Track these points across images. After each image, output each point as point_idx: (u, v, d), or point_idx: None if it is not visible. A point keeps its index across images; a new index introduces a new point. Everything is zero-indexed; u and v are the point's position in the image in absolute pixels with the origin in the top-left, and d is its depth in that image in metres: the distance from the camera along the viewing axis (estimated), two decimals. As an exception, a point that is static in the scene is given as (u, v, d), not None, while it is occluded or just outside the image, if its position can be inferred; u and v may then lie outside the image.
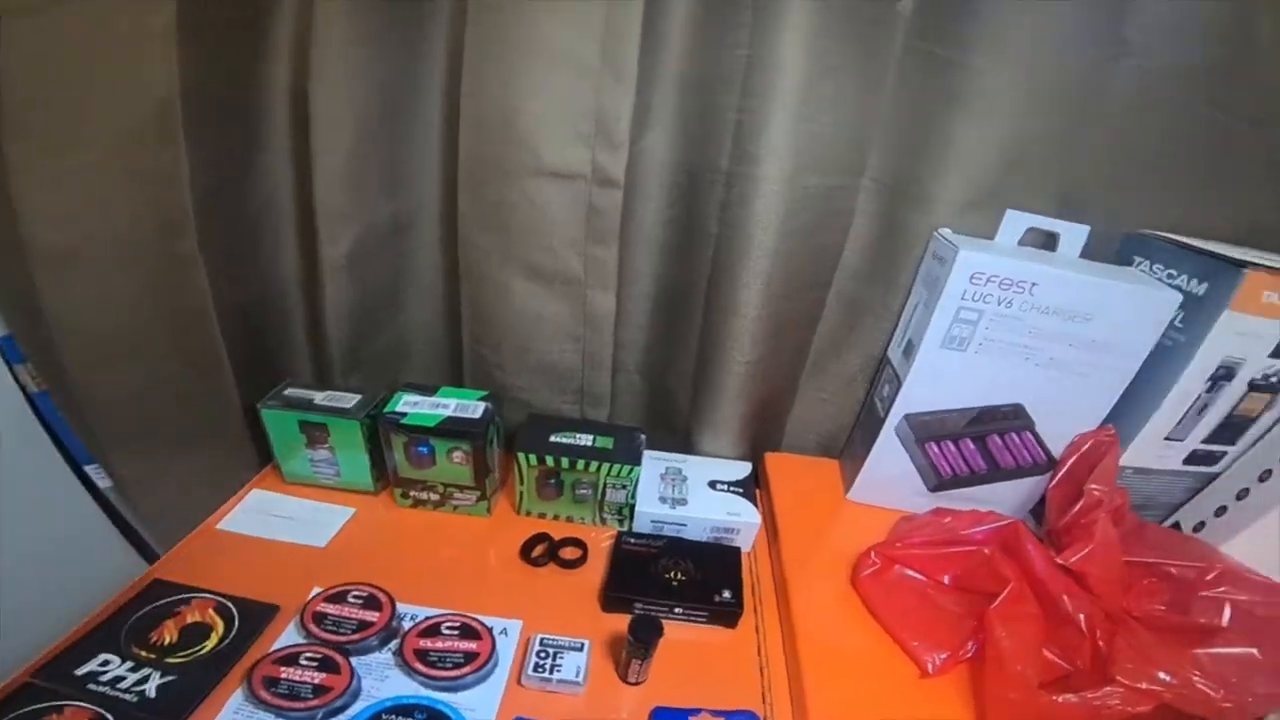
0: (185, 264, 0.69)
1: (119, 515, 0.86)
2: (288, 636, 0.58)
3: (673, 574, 0.65)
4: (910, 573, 0.65)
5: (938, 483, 0.72)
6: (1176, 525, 0.71)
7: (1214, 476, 0.70)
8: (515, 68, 0.61)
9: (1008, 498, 0.72)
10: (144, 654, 0.54)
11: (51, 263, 0.68)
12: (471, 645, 0.57)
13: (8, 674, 0.52)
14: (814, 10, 0.58)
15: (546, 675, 0.55)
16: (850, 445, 0.80)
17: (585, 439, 0.71)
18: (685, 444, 0.81)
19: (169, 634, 0.57)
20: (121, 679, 0.52)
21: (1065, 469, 0.68)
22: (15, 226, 0.66)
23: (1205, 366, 0.62)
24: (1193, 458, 0.69)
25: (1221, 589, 0.57)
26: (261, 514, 0.70)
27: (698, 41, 0.63)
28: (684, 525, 0.70)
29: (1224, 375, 0.63)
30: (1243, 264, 0.58)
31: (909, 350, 0.67)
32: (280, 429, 0.70)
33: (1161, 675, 0.50)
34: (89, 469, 0.84)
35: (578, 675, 0.56)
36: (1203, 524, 0.69)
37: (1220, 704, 0.49)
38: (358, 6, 0.62)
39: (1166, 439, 0.67)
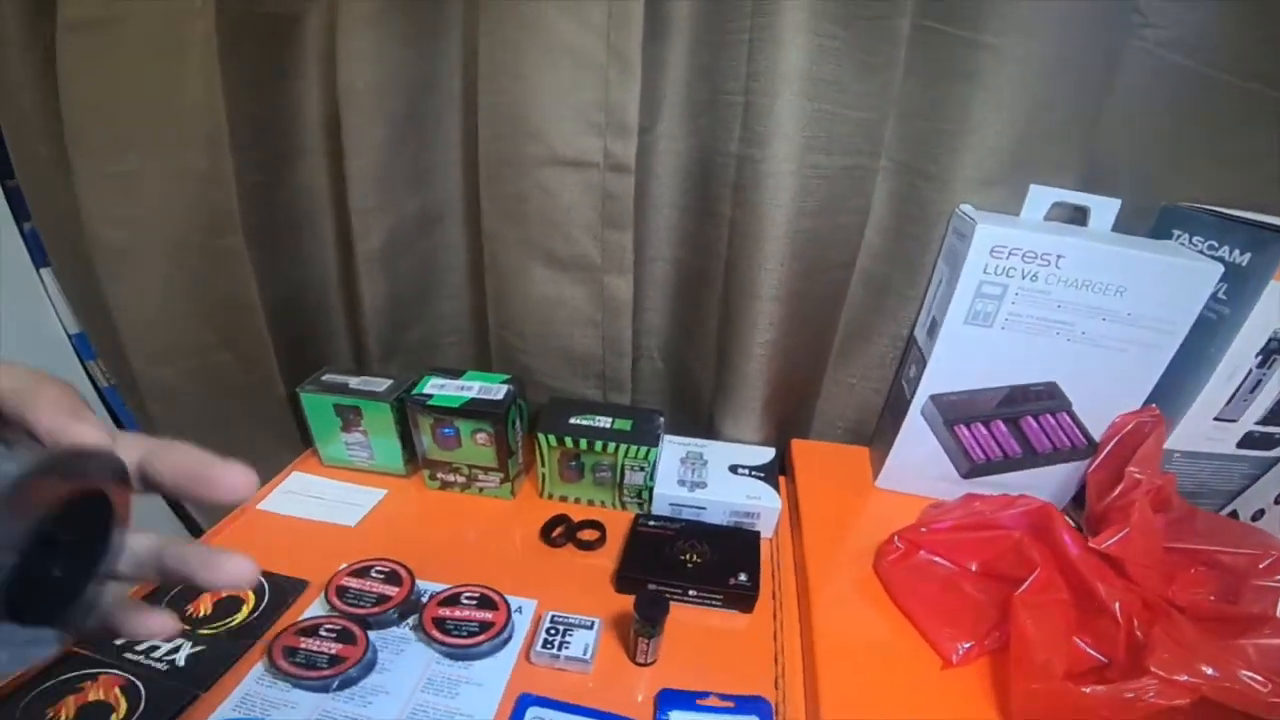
0: (233, 259, 0.74)
1: (181, 506, 0.92)
2: (313, 610, 0.60)
3: (688, 556, 0.65)
4: (936, 559, 0.63)
5: (970, 468, 0.69)
6: (1234, 514, 0.67)
7: (1274, 462, 0.65)
8: (526, 64, 0.63)
9: (1046, 484, 0.69)
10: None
11: (113, 260, 0.74)
12: (488, 615, 0.58)
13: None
14: None
15: (555, 652, 0.56)
16: (879, 431, 0.78)
17: (604, 421, 0.71)
18: (709, 429, 0.81)
19: (204, 606, 0.60)
20: (155, 648, 0.55)
21: (1106, 452, 0.65)
22: (82, 227, 0.73)
23: (1254, 340, 0.59)
24: (1248, 440, 0.64)
25: (1277, 578, 0.53)
26: (299, 495, 0.74)
27: (701, 27, 0.64)
28: (703, 509, 0.70)
29: (1277, 349, 0.59)
30: (1287, 232, 0.54)
31: (933, 329, 0.66)
32: (318, 412, 0.73)
33: (1202, 667, 0.46)
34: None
35: (585, 653, 0.56)
36: (1262, 512, 0.64)
37: (1268, 699, 0.45)
38: (380, 14, 0.65)
39: (1217, 419, 0.63)
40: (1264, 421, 0.63)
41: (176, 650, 0.55)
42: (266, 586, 0.62)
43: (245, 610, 0.60)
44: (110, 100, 0.69)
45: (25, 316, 0.82)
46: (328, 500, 0.73)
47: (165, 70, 0.67)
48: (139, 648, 0.55)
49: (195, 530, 0.91)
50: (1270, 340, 0.59)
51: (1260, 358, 0.60)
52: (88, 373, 0.87)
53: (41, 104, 0.71)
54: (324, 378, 0.74)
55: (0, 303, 0.78)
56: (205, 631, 0.57)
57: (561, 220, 0.69)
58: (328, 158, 0.75)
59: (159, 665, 0.54)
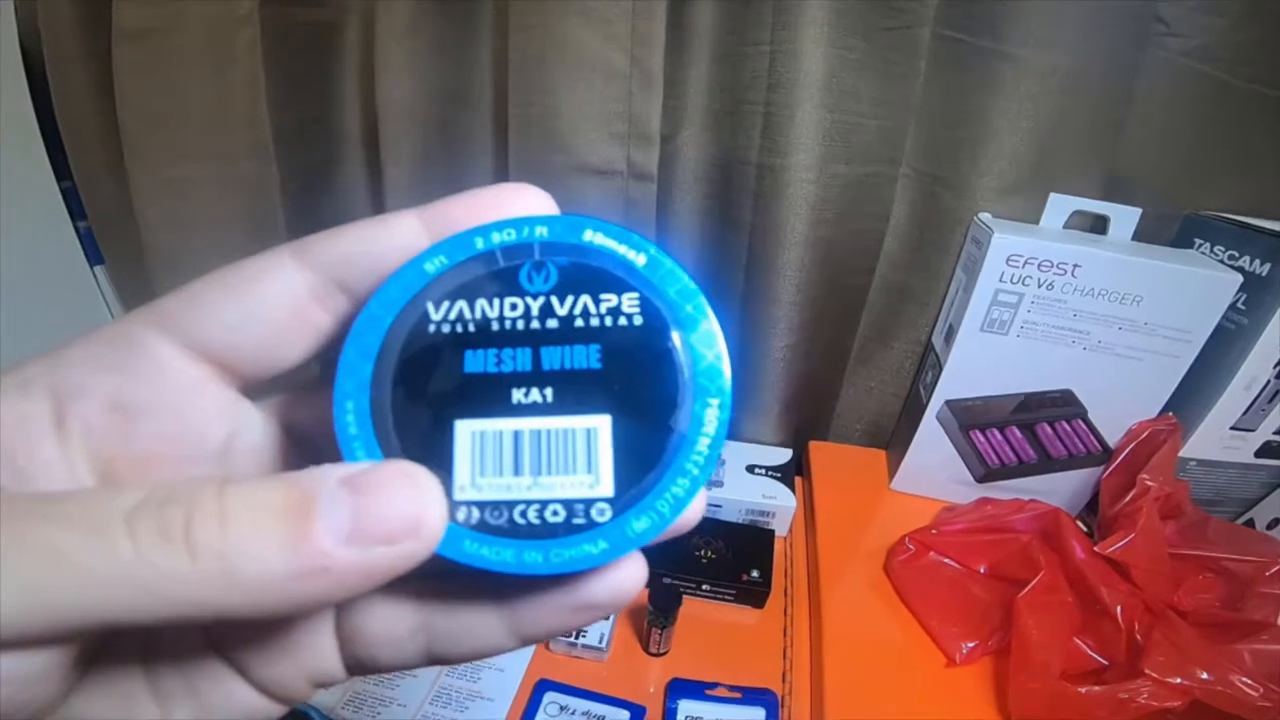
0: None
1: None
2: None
3: (703, 552, 0.67)
4: (945, 560, 0.64)
5: (985, 472, 0.70)
6: (1250, 522, 0.67)
7: (1293, 471, 0.65)
8: (553, 78, 0.66)
9: (1060, 490, 0.70)
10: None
11: (167, 263, 0.78)
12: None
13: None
14: (833, 6, 0.60)
15: (572, 640, 0.59)
16: (896, 434, 0.79)
17: (626, 422, 0.73)
18: (728, 431, 0.82)
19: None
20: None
21: (1120, 459, 0.65)
22: (139, 235, 0.77)
23: (1272, 350, 0.59)
24: (1267, 450, 0.64)
25: (1283, 586, 0.54)
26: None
27: (722, 41, 0.65)
28: (719, 506, 0.72)
29: (1295, 360, 0.59)
30: (1308, 242, 0.55)
31: (950, 335, 0.67)
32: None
33: (1197, 671, 0.47)
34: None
35: (601, 642, 0.59)
36: (1277, 520, 0.64)
37: (1258, 703, 0.46)
38: (414, 27, 0.68)
39: (1234, 429, 0.63)
40: (1281, 432, 0.63)
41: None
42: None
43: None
44: (165, 108, 0.72)
45: (80, 313, 0.87)
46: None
47: (214, 78, 0.71)
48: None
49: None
50: (1289, 351, 0.59)
51: (1278, 368, 0.60)
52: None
53: (98, 111, 0.75)
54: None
55: (57, 298, 0.83)
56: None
57: (588, 227, 0.71)
58: (366, 166, 0.78)
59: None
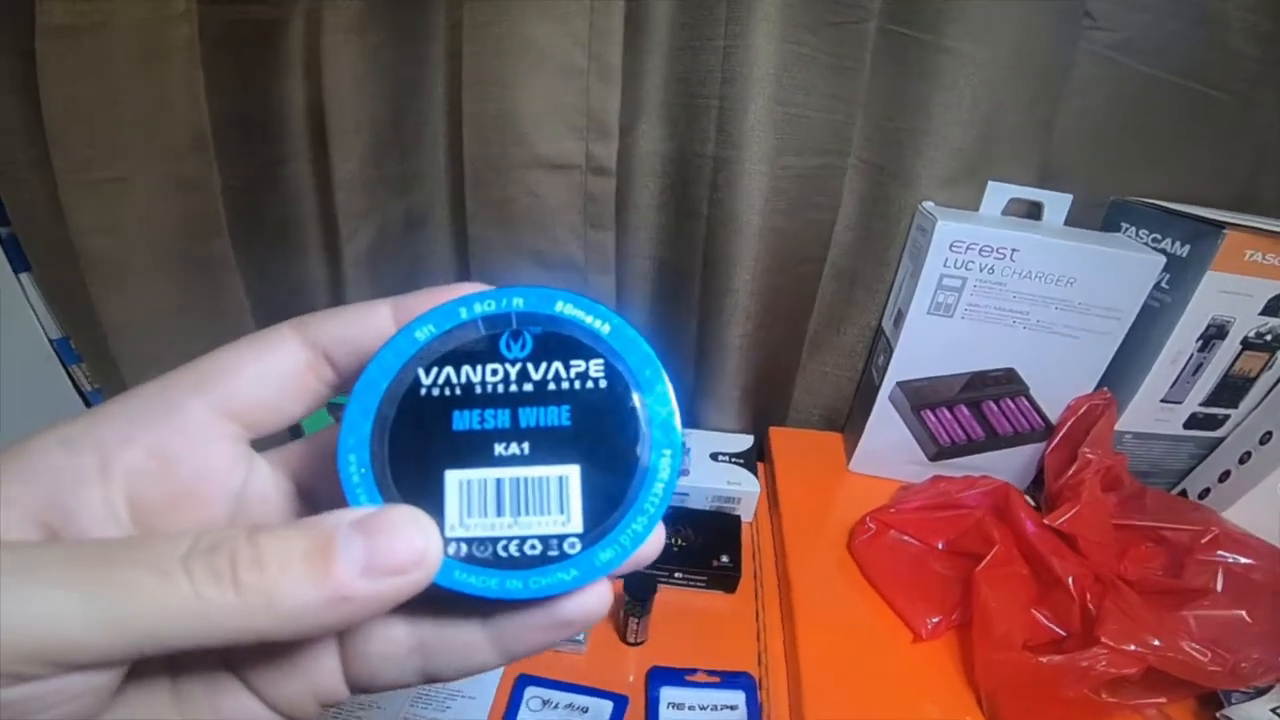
0: (220, 265, 0.75)
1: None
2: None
3: (674, 540, 0.68)
4: (905, 538, 0.67)
5: (937, 451, 0.73)
6: (1183, 493, 0.72)
7: (1218, 442, 0.70)
8: (511, 72, 0.65)
9: (1008, 466, 0.73)
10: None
11: (100, 268, 0.74)
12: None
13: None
14: (784, 2, 0.61)
15: (550, 634, 0.59)
16: (851, 417, 0.82)
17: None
18: (688, 420, 0.84)
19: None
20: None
21: (1062, 434, 0.69)
22: (68, 237, 0.73)
23: (1194, 325, 0.63)
24: (1193, 421, 0.69)
25: (1217, 553, 0.57)
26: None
27: (677, 37, 0.67)
28: (685, 494, 0.73)
29: (1215, 334, 0.63)
30: (1223, 225, 0.59)
31: (899, 319, 0.69)
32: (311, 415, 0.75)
33: (1149, 638, 0.50)
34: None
35: (579, 634, 0.59)
36: (1208, 490, 0.69)
37: (1208, 667, 0.49)
38: (363, 22, 0.66)
39: (1164, 401, 0.68)
40: (1206, 403, 0.68)
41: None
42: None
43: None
44: (94, 107, 0.69)
45: (4, 322, 0.82)
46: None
47: (148, 76, 0.67)
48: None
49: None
50: (1209, 326, 0.63)
51: (1200, 342, 0.64)
52: (71, 377, 0.87)
53: (20, 108, 0.71)
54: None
55: (-22, 309, 0.78)
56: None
57: (548, 222, 0.71)
58: (312, 163, 0.76)
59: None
